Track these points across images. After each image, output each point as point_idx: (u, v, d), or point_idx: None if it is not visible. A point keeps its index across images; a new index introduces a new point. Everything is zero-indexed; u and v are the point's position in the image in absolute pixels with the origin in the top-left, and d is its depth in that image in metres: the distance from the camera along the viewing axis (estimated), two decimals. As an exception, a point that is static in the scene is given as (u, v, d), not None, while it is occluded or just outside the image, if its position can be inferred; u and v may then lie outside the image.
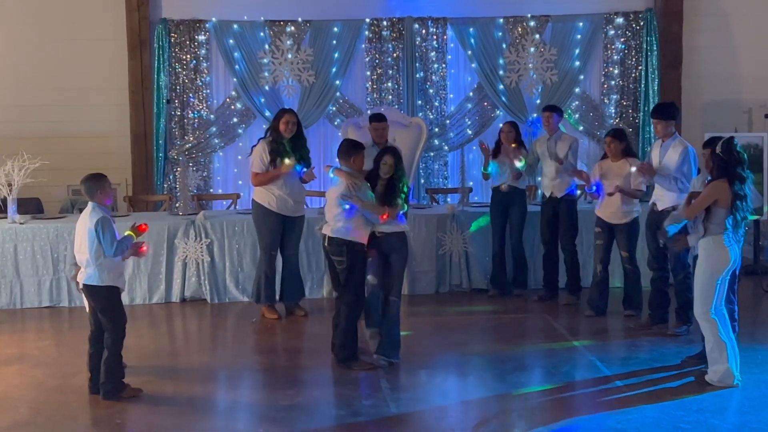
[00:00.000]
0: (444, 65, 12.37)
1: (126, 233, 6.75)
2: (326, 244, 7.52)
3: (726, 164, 6.70)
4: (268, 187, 8.98)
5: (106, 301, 6.73)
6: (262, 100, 12.02)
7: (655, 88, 12.31)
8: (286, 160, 8.84)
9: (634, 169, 8.55)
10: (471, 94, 12.48)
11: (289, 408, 6.62)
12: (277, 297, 9.31)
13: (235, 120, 12.18)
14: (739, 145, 6.77)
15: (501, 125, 10.25)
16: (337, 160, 7.88)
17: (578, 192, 10.10)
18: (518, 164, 9.70)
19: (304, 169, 9.04)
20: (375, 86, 12.30)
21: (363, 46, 12.27)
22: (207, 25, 12.04)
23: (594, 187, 8.92)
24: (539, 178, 10.35)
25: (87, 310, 6.93)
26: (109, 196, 6.82)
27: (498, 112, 12.42)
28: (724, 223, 6.66)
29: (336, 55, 12.10)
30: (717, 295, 6.75)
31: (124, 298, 9.58)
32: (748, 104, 12.46)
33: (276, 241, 9.13)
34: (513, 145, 9.81)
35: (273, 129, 9.02)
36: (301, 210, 9.22)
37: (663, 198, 8.15)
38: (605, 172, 8.87)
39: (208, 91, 12.19)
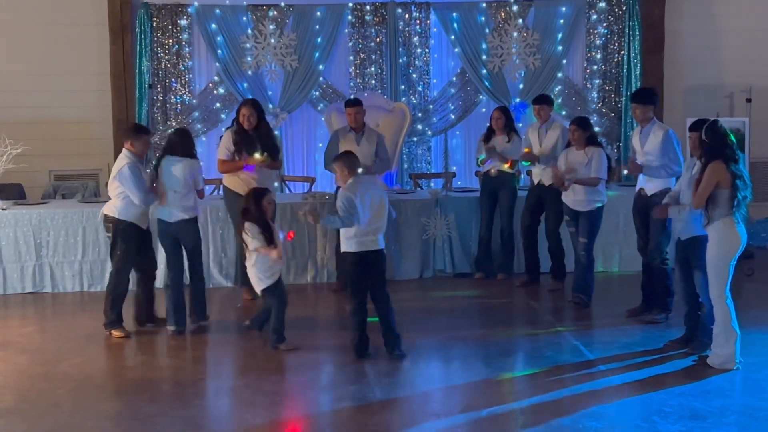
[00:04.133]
0: (427, 50, 12.37)
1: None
2: (100, 218, 8.26)
3: (713, 147, 6.73)
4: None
5: None
6: (245, 85, 11.98)
7: (638, 72, 12.34)
8: (256, 155, 8.94)
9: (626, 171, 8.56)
10: (454, 78, 12.48)
11: (275, 393, 6.64)
12: None
13: (217, 105, 12.14)
14: (724, 128, 6.80)
15: (492, 111, 10.25)
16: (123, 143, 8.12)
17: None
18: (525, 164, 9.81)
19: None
20: (358, 71, 12.28)
21: (346, 30, 12.24)
22: (189, 10, 11.98)
23: None
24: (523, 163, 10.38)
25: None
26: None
27: (481, 97, 12.43)
28: (729, 204, 6.70)
29: (319, 39, 12.07)
30: (731, 277, 6.83)
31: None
32: (729, 89, 12.53)
33: None
34: (506, 166, 9.87)
35: (236, 120, 9.14)
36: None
37: (650, 182, 8.16)
38: (570, 160, 8.91)
39: (191, 76, 12.15)
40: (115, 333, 8.04)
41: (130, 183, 7.83)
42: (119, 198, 7.95)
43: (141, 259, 8.23)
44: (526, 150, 9.70)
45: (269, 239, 7.45)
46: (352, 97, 10.50)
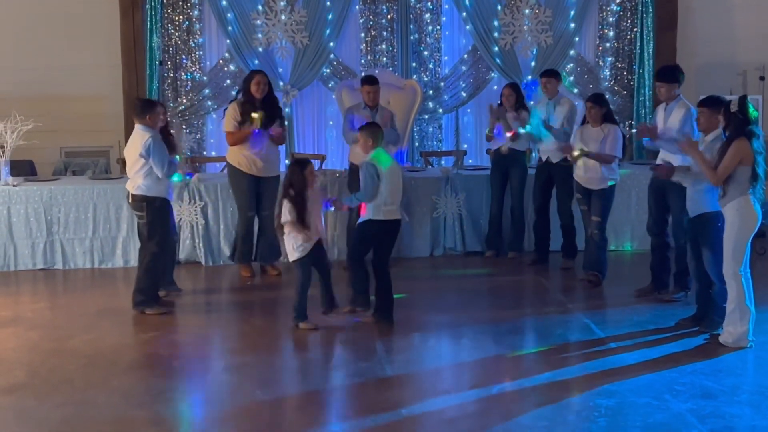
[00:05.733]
0: (438, 27, 12.30)
1: None
2: (129, 200, 8.14)
3: (742, 123, 6.70)
4: (239, 147, 9.14)
5: None
6: (256, 61, 11.91)
7: (650, 50, 12.26)
8: (254, 114, 8.98)
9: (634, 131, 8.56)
10: (465, 56, 12.40)
11: (285, 370, 6.66)
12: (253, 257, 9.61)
13: (228, 82, 12.09)
14: (751, 104, 6.77)
15: (503, 88, 10.20)
16: (138, 119, 8.02)
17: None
18: (521, 129, 9.70)
19: (271, 131, 9.05)
20: (369, 48, 12.22)
21: (357, 7, 12.14)
22: (199, -14, 11.95)
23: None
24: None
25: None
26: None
27: (493, 74, 12.36)
28: (748, 182, 6.68)
29: (330, 16, 11.98)
30: (748, 256, 6.81)
31: (119, 261, 9.67)
32: (742, 66, 12.44)
33: (248, 201, 9.26)
34: (509, 135, 9.79)
35: (244, 90, 9.17)
36: (275, 170, 9.30)
37: (668, 161, 8.10)
38: (585, 137, 8.86)
39: (201, 52, 12.11)
40: (151, 312, 8.01)
41: (156, 156, 7.77)
42: (146, 176, 7.86)
43: None
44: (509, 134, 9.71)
45: (301, 218, 7.42)
46: (368, 74, 10.37)
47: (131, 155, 7.92)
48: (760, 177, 6.71)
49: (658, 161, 8.27)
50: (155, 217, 7.95)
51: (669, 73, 8.34)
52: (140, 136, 7.88)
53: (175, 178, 8.25)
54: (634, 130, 12.20)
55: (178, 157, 8.14)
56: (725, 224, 6.83)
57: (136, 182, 7.92)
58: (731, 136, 6.73)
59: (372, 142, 7.48)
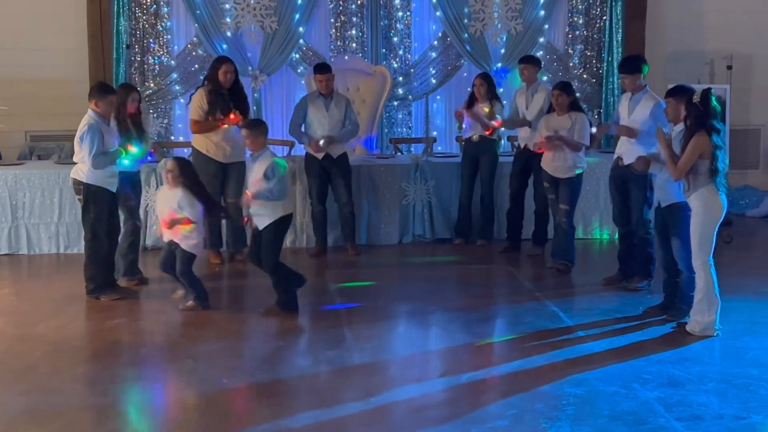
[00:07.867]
0: (408, 13, 12.25)
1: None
2: (70, 183, 8.16)
3: (703, 115, 6.70)
4: (207, 134, 9.04)
5: None
6: (224, 46, 11.81)
7: (619, 38, 12.27)
8: (231, 116, 8.89)
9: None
10: (435, 42, 12.37)
11: (252, 358, 6.61)
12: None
13: (196, 66, 11.97)
14: (714, 98, 6.77)
15: (474, 78, 10.16)
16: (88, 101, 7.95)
17: None
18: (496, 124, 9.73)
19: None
20: (339, 34, 12.15)
21: (327, -8, 12.10)
22: (167, -32, 11.81)
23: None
24: (502, 129, 10.31)
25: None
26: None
27: (462, 61, 12.33)
28: (708, 173, 6.69)
29: (299, 1, 11.90)
30: (714, 246, 6.85)
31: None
32: (710, 55, 12.51)
33: (215, 187, 9.09)
34: (486, 110, 9.73)
35: (211, 78, 9.05)
36: (240, 156, 9.18)
37: (629, 152, 8.10)
38: (552, 125, 8.86)
39: (169, 36, 11.98)
40: (105, 298, 7.93)
41: (84, 143, 7.67)
42: (82, 161, 7.79)
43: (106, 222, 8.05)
44: (486, 109, 9.68)
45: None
46: (320, 62, 10.29)
47: (75, 138, 7.85)
48: (719, 171, 6.72)
49: (617, 153, 8.31)
50: (88, 203, 7.84)
51: (632, 64, 8.32)
52: (83, 121, 7.81)
53: (126, 163, 8.08)
54: (606, 122, 12.23)
55: (121, 149, 7.96)
56: (691, 214, 6.86)
57: (79, 167, 7.86)
58: (691, 130, 6.73)
59: (263, 139, 7.55)
